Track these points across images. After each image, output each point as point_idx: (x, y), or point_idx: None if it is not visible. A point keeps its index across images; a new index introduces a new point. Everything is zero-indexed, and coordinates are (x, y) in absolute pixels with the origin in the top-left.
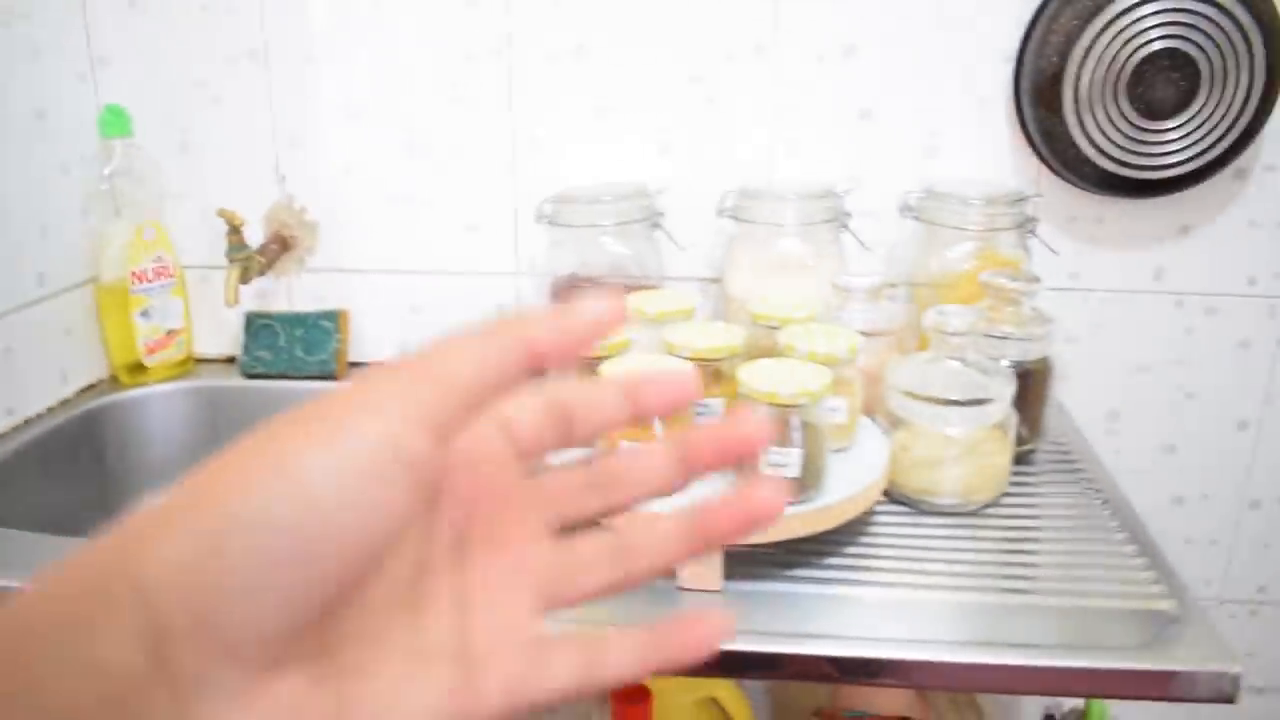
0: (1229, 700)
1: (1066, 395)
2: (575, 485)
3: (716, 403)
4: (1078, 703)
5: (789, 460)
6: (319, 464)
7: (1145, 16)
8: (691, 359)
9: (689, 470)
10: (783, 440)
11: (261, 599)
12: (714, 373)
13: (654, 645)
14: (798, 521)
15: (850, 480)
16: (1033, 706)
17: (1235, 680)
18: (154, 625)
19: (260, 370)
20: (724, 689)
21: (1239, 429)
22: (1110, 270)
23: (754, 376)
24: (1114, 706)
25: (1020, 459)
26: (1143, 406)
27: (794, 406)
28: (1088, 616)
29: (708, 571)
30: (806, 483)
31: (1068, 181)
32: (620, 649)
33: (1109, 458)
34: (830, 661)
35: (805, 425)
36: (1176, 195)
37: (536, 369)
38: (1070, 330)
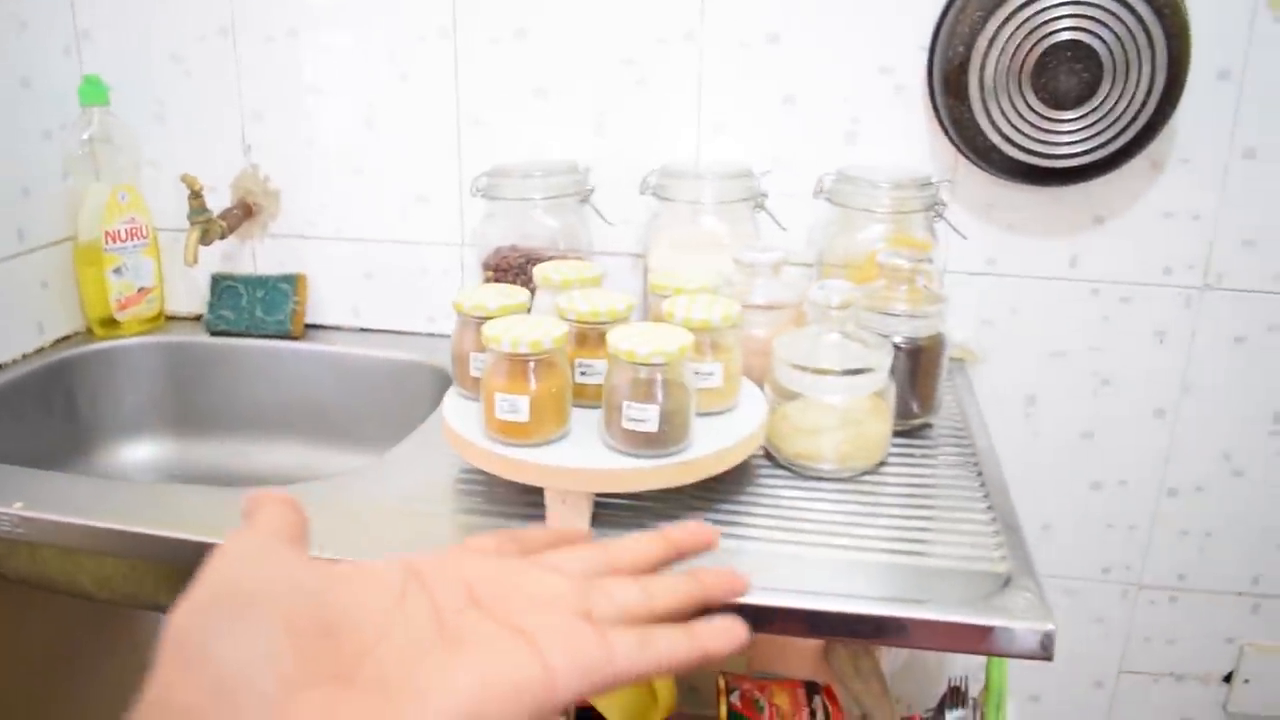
0: (1046, 658)
1: (983, 378)
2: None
3: (601, 364)
4: (981, 672)
5: (647, 416)
6: None
7: (1048, 8)
8: (576, 320)
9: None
10: (644, 397)
11: None
12: (599, 336)
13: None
14: (660, 474)
15: (719, 439)
16: (938, 675)
17: (1049, 637)
18: None
19: (223, 328)
20: None
21: (1156, 416)
22: (1027, 257)
23: (619, 337)
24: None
25: (912, 432)
26: (1060, 392)
27: (651, 365)
28: (930, 575)
29: (576, 517)
30: (669, 438)
31: (982, 169)
32: (667, 631)
33: (1026, 441)
34: None
35: (669, 384)
36: (1092, 185)
37: None
38: (987, 314)
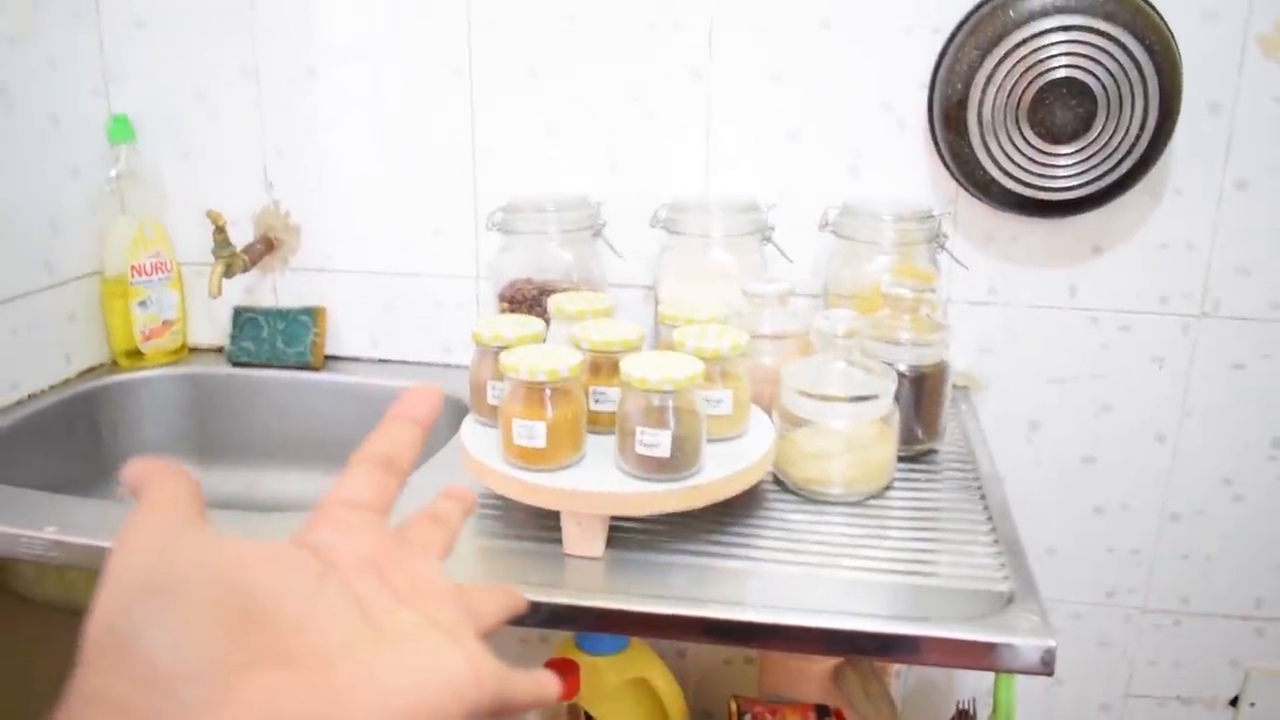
0: (1047, 673)
1: (985, 405)
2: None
3: (614, 392)
4: (989, 697)
5: (659, 441)
6: None
7: (1043, 47)
8: (590, 350)
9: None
10: (656, 422)
11: None
12: (612, 365)
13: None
14: (672, 498)
15: (729, 464)
16: (947, 700)
17: (1050, 653)
18: None
19: (245, 359)
20: (655, 669)
21: (1157, 441)
22: (1026, 286)
23: (631, 365)
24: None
25: (917, 458)
26: (1062, 418)
27: (662, 392)
28: (935, 594)
29: (591, 539)
30: (681, 462)
31: (982, 201)
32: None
33: (1029, 466)
34: (695, 622)
35: (680, 411)
36: (1089, 216)
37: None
38: (989, 343)
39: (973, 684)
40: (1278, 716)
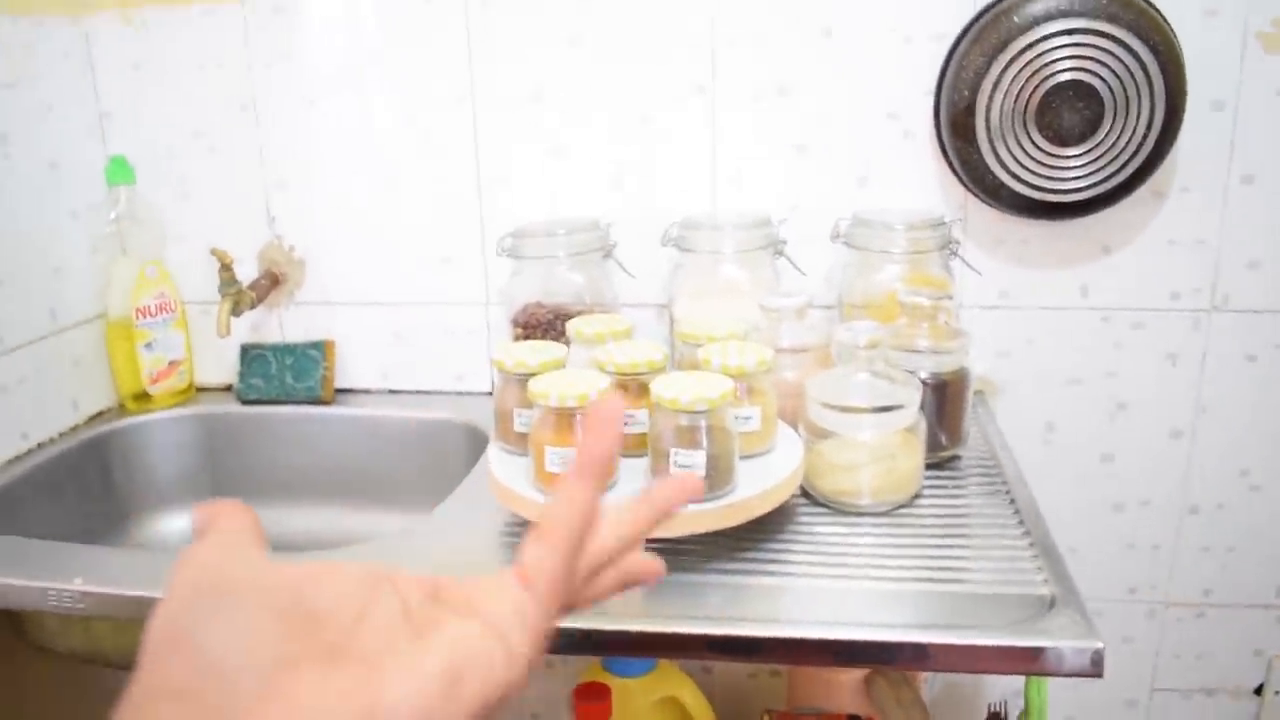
0: (1096, 675)
1: (1002, 408)
2: None
3: (641, 414)
4: (1018, 699)
5: (695, 461)
6: None
7: (1048, 51)
8: (616, 373)
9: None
10: (690, 443)
11: None
12: (639, 386)
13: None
14: (708, 517)
15: (762, 480)
16: (978, 702)
17: (1099, 655)
18: None
19: (254, 396)
20: (685, 688)
21: (1173, 437)
22: (1038, 288)
23: (663, 387)
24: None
25: (942, 464)
26: (1078, 418)
27: (695, 412)
28: (975, 601)
29: None
30: (715, 481)
31: (991, 206)
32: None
33: (1047, 467)
34: (723, 641)
35: (713, 430)
36: (1099, 216)
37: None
38: (1003, 346)
39: (1001, 687)
40: None
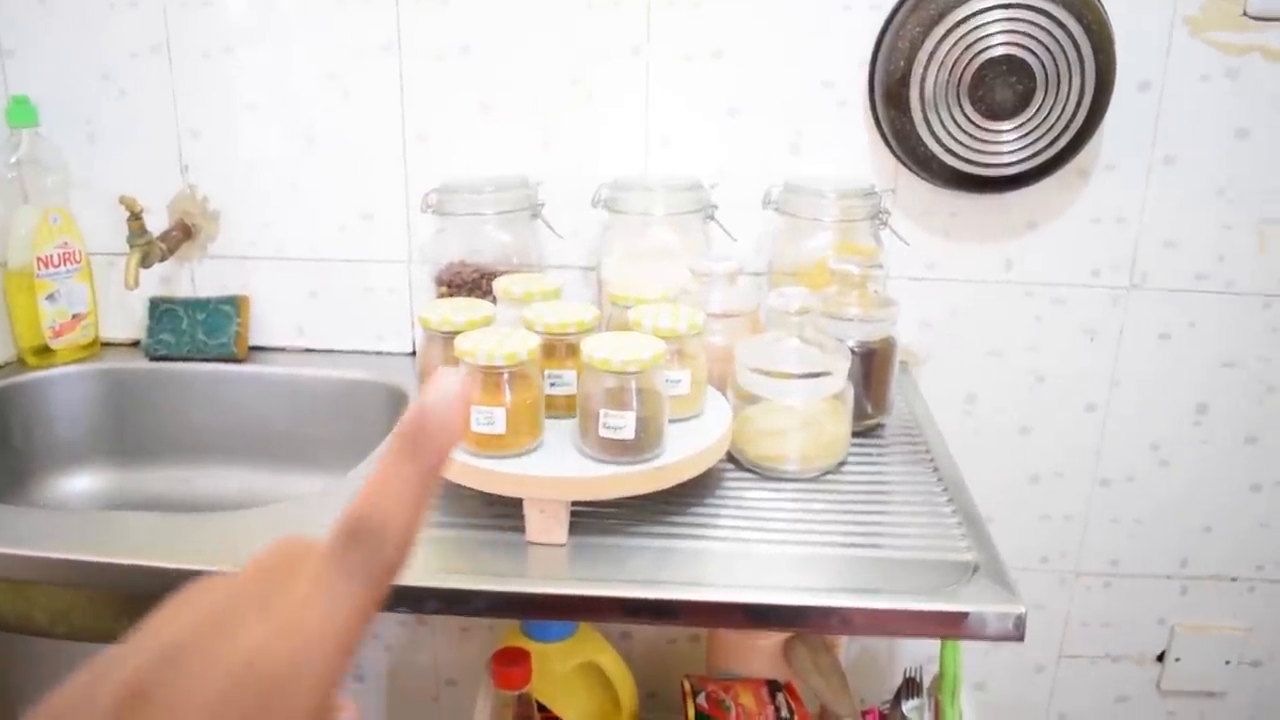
0: (1018, 639)
1: (925, 378)
2: None
3: (569, 374)
4: (933, 664)
5: (625, 423)
6: None
7: (983, 25)
8: (545, 332)
9: None
10: (619, 404)
11: None
12: (568, 347)
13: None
14: (636, 480)
15: (690, 444)
16: (893, 668)
17: (1021, 620)
18: None
19: (163, 352)
20: (604, 654)
21: (1088, 411)
22: (964, 261)
23: (593, 347)
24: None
25: (867, 432)
26: (998, 390)
27: (626, 374)
28: (900, 566)
29: (554, 526)
30: (644, 444)
31: (922, 178)
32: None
33: (967, 438)
34: (641, 604)
35: (643, 392)
36: (1024, 192)
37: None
38: (928, 317)
39: (914, 652)
40: (1200, 670)
